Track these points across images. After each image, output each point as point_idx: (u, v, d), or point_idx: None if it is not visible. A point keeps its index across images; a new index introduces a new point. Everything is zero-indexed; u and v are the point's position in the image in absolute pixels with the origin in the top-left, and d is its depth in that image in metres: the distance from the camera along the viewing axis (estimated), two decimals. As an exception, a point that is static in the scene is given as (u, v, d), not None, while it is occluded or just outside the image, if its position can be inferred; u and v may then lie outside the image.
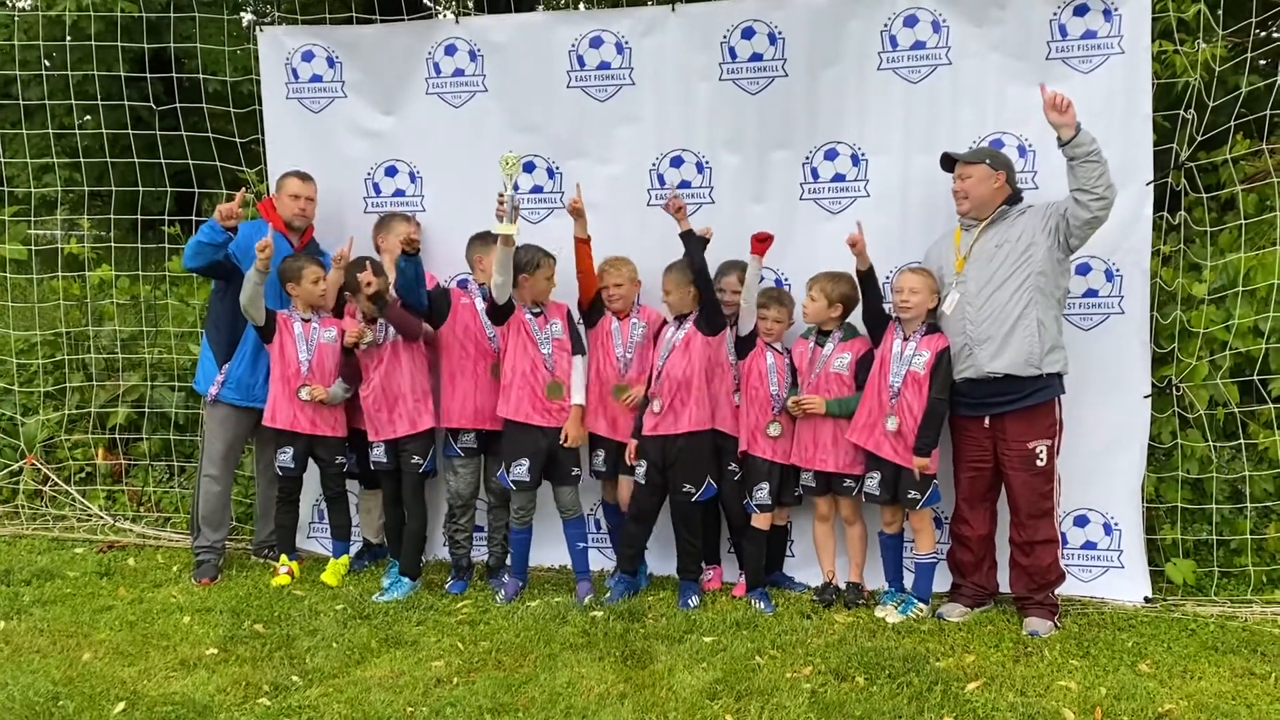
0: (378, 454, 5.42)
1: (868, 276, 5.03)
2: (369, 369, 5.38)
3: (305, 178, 5.63)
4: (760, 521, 5.25)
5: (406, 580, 5.38)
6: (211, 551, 5.66)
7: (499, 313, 5.22)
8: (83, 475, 6.98)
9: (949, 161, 4.98)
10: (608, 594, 5.24)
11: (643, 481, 5.21)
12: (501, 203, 4.95)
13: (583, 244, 5.31)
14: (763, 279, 5.38)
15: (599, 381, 5.35)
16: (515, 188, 4.99)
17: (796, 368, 5.25)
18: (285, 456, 5.54)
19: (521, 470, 5.22)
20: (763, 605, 5.13)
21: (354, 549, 5.92)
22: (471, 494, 5.51)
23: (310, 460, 5.63)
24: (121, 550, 6.11)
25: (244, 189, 5.68)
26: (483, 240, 5.42)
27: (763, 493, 5.20)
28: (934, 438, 4.91)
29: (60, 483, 6.91)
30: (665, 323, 5.33)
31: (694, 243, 5.07)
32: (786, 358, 5.25)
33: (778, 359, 5.22)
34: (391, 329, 5.31)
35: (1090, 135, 4.58)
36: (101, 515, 6.66)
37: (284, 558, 5.63)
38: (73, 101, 7.17)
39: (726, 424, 5.28)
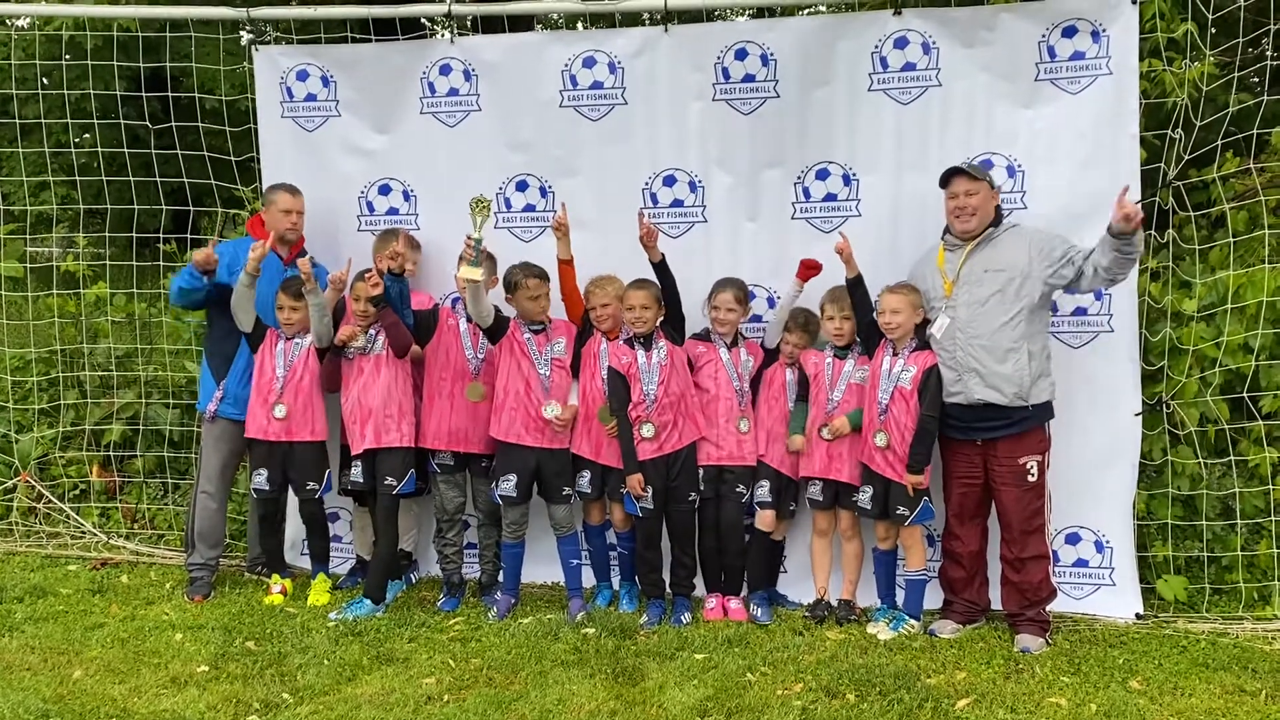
0: (355, 473, 5.39)
1: (857, 285, 5.05)
2: (349, 380, 5.38)
3: (294, 191, 5.63)
4: (764, 522, 5.26)
5: (367, 602, 5.28)
6: (205, 569, 5.65)
7: (491, 333, 5.24)
8: (77, 492, 6.97)
9: (947, 177, 4.92)
10: (644, 619, 5.17)
11: (651, 507, 5.18)
12: (469, 246, 4.95)
13: (565, 265, 5.30)
14: (754, 296, 5.43)
15: (585, 402, 5.31)
16: (478, 242, 4.95)
17: (809, 377, 5.24)
18: (260, 479, 5.50)
19: (509, 486, 5.22)
20: (760, 612, 5.16)
21: (348, 566, 5.93)
22: (456, 509, 5.48)
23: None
24: (115, 567, 6.10)
25: (212, 242, 5.76)
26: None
27: (763, 490, 5.23)
28: (926, 455, 4.92)
29: (54, 500, 6.90)
30: (628, 346, 5.21)
31: (668, 275, 5.16)
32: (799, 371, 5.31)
33: (795, 375, 5.30)
34: (380, 341, 5.30)
35: (1141, 237, 4.55)
36: (95, 532, 6.65)
37: (276, 576, 5.64)
38: (69, 119, 7.23)
39: (733, 456, 5.24)
